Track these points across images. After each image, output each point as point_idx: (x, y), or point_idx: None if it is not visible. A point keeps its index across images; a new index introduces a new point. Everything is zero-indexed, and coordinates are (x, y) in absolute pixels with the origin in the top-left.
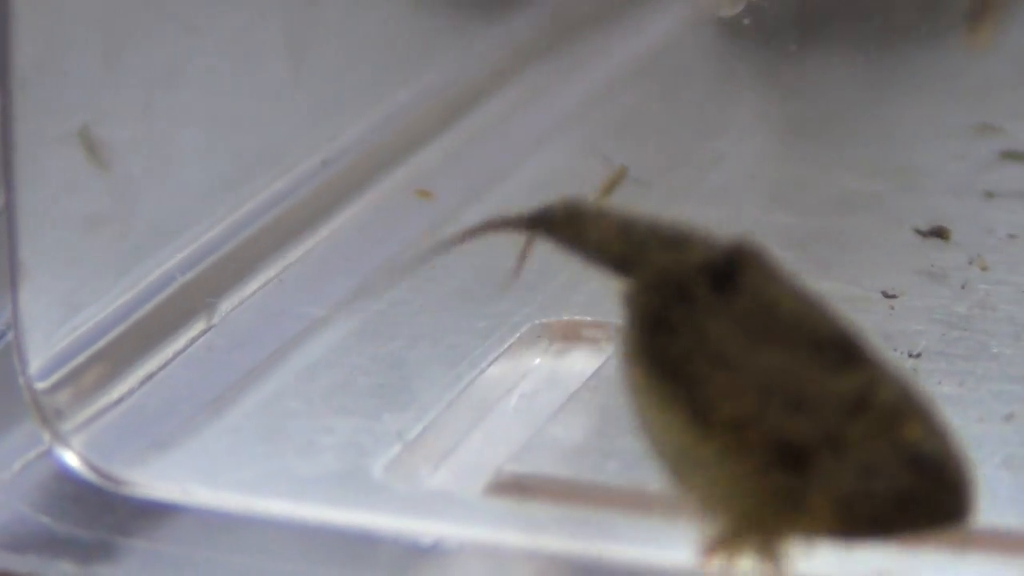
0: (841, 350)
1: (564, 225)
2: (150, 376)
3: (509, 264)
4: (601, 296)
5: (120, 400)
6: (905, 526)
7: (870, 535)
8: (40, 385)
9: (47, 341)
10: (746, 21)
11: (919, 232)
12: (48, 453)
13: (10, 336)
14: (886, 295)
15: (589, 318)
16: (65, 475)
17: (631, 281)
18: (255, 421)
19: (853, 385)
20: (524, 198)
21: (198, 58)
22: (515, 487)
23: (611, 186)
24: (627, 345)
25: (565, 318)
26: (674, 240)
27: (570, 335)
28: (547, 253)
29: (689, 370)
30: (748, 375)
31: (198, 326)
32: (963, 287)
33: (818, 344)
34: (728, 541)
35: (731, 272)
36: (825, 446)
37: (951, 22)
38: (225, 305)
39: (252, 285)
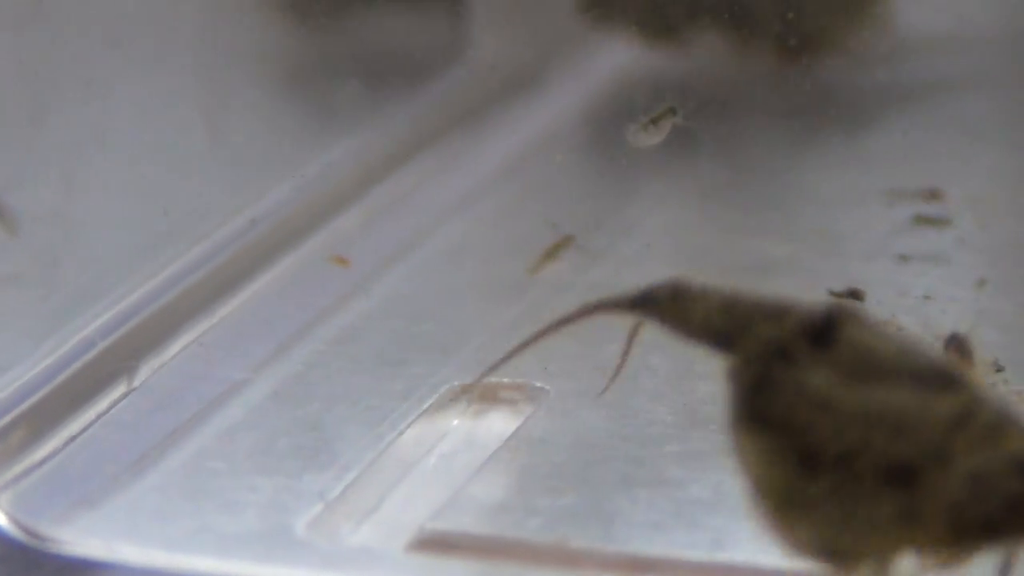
0: (939, 379)
1: (669, 304)
2: (73, 437)
3: (424, 328)
4: (519, 359)
5: (44, 460)
6: (1016, 529)
7: (982, 540)
8: None
9: None
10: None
11: (834, 294)
12: None
13: None
14: None
15: (507, 380)
16: None
17: (734, 356)
18: (178, 480)
19: (954, 406)
20: (439, 265)
21: (118, 125)
22: (437, 543)
23: (553, 253)
24: (733, 415)
25: (482, 380)
26: (776, 311)
27: (488, 397)
28: (463, 316)
29: (794, 420)
30: (852, 413)
31: (120, 389)
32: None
33: (917, 376)
34: (847, 570)
35: (829, 329)
36: (932, 461)
37: (867, 90)
38: (146, 368)
39: (172, 349)
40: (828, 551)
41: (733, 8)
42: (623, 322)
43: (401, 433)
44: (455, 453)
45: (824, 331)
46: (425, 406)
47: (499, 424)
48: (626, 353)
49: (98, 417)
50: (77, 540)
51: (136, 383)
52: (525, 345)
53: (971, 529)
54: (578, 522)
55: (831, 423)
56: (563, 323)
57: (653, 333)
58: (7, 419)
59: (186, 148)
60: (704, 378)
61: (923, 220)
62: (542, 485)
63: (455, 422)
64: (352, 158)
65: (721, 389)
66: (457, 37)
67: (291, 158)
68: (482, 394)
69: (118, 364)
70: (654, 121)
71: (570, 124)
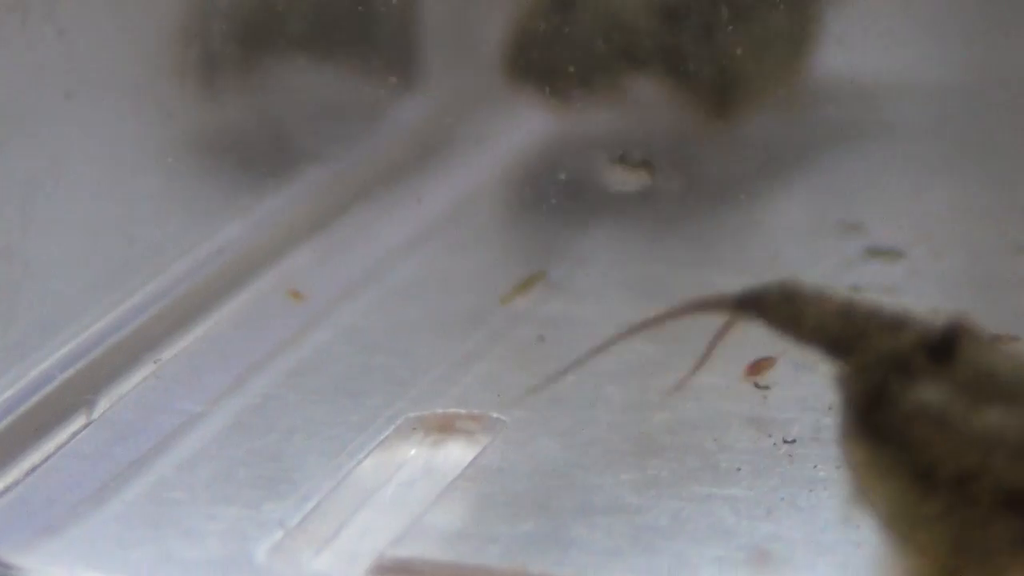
0: None
1: (779, 306)
2: (34, 468)
3: (380, 360)
4: (475, 389)
5: (5, 491)
6: None
7: None
8: None
9: None
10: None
11: None
12: None
13: None
14: (758, 386)
15: (463, 411)
16: None
17: (848, 363)
18: (139, 509)
19: None
20: (394, 299)
21: (74, 160)
22: (397, 570)
23: (526, 285)
24: (845, 425)
25: (439, 411)
26: (893, 322)
27: (445, 427)
28: (419, 348)
29: (911, 436)
30: (970, 433)
31: (80, 420)
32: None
33: None
34: None
35: (948, 345)
36: None
37: (817, 126)
38: (105, 400)
39: (131, 381)
40: (940, 573)
41: (667, 57)
42: (579, 353)
43: (359, 463)
44: (413, 482)
45: (943, 346)
46: (383, 436)
47: (456, 453)
48: (711, 348)
49: (58, 448)
50: (40, 568)
51: (95, 415)
52: (605, 346)
53: None
54: (537, 549)
55: (948, 442)
56: (662, 319)
57: (609, 363)
58: None
59: (142, 184)
60: (660, 408)
61: (875, 252)
62: (501, 512)
63: (412, 452)
64: (308, 194)
65: (675, 419)
66: (401, 80)
67: (247, 194)
68: (439, 425)
69: (77, 396)
70: (629, 166)
71: (521, 164)
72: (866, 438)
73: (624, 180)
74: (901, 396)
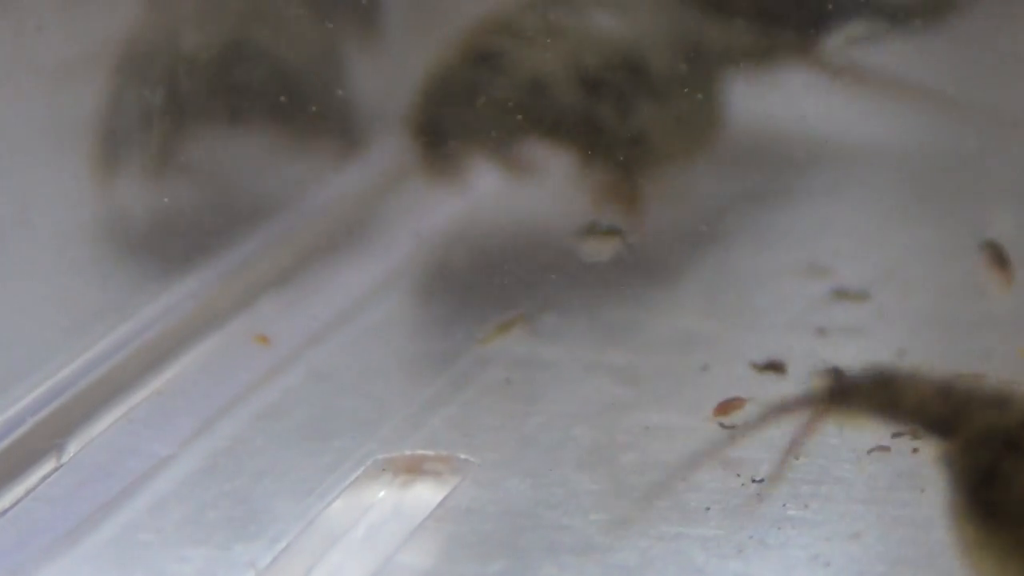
0: None
1: (874, 393)
2: (4, 512)
3: (348, 403)
4: (443, 431)
5: None
6: None
7: None
8: None
9: None
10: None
11: (755, 367)
12: None
13: None
14: (724, 426)
15: (432, 452)
16: None
17: (952, 442)
18: (110, 552)
19: None
20: (361, 343)
21: (42, 205)
22: None
23: (506, 327)
24: (956, 504)
25: (408, 453)
26: (996, 398)
27: (413, 469)
28: (386, 391)
29: None
30: None
31: (49, 464)
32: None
33: None
34: None
35: None
36: None
37: (782, 167)
38: (74, 444)
39: (100, 425)
40: None
41: (581, 128)
42: (544, 394)
43: (329, 504)
44: (383, 523)
45: None
46: (352, 478)
47: (425, 495)
48: (799, 440)
49: (28, 492)
50: None
51: (65, 459)
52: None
53: None
54: None
55: None
56: (757, 427)
57: (577, 404)
58: None
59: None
60: (627, 448)
61: (842, 295)
62: (470, 553)
63: (382, 493)
64: (274, 239)
65: (644, 459)
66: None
67: (214, 240)
68: (407, 466)
69: (47, 440)
70: (600, 236)
71: (487, 213)
72: (980, 518)
73: (597, 251)
74: (1015, 474)
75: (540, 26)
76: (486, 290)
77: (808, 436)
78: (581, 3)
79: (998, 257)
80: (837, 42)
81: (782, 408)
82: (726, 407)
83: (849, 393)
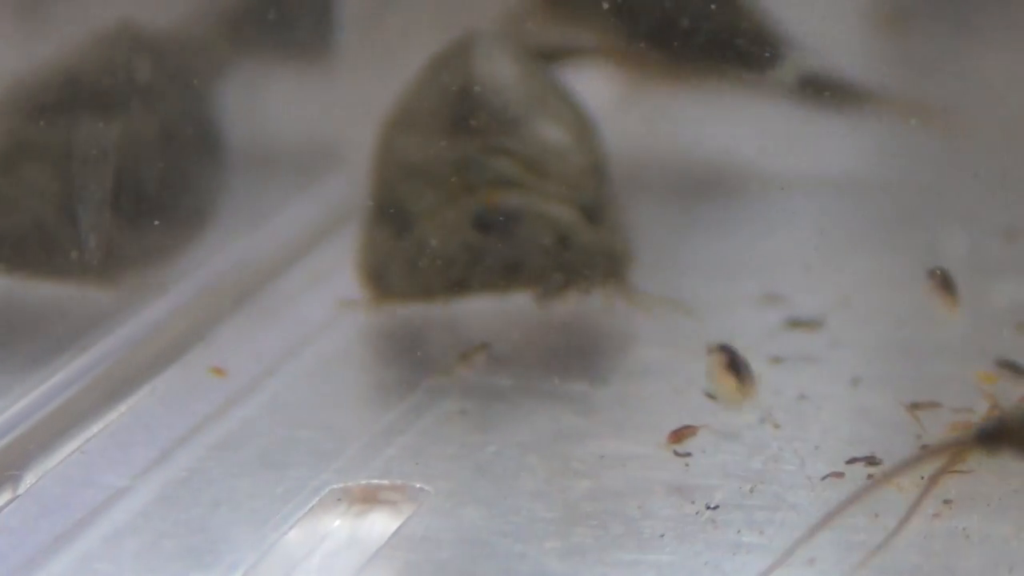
0: None
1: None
2: None
3: (304, 433)
4: (398, 460)
5: None
6: None
7: None
8: None
9: None
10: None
11: (709, 396)
12: None
13: None
14: (678, 454)
15: (387, 481)
16: None
17: None
18: None
19: None
20: (316, 373)
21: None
22: None
23: (468, 357)
24: None
25: (363, 482)
26: None
27: (368, 498)
28: (342, 421)
29: None
30: None
31: (5, 496)
32: (756, 445)
33: None
34: None
35: None
36: None
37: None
38: (30, 476)
39: (56, 457)
40: None
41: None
42: (498, 423)
43: (285, 533)
44: (338, 552)
45: None
46: (307, 507)
47: (381, 524)
48: (929, 489)
49: None
50: None
51: (21, 490)
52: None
53: None
54: None
55: None
56: (906, 469)
57: (531, 433)
58: None
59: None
60: (582, 476)
61: (796, 323)
62: None
63: (337, 522)
64: (227, 270)
65: (598, 487)
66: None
67: (168, 273)
68: (362, 496)
69: (3, 472)
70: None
71: None
72: None
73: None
74: None
75: None
76: (441, 320)
77: (940, 481)
78: None
79: (944, 282)
80: (788, 74)
81: (936, 451)
82: (680, 434)
83: (999, 434)
